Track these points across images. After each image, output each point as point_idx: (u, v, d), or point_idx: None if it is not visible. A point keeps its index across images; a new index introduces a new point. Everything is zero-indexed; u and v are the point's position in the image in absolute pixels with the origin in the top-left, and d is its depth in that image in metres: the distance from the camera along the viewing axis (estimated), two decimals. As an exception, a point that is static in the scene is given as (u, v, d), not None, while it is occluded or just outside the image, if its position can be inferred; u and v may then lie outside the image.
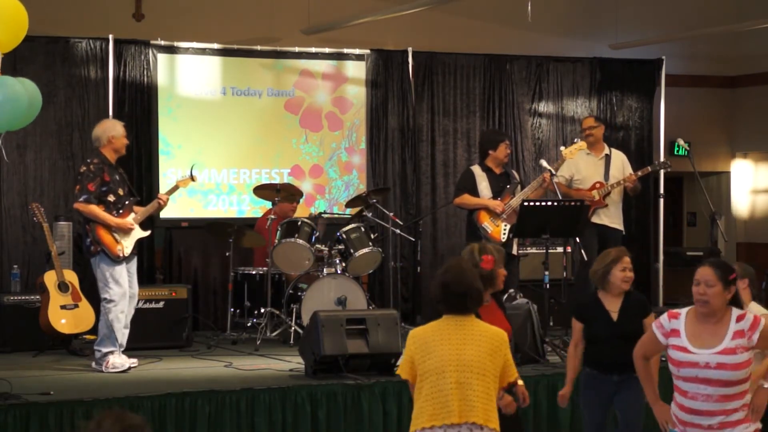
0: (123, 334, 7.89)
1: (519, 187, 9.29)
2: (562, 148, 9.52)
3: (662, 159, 10.50)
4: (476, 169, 9.26)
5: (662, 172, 10.93)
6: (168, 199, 8.28)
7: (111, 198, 7.91)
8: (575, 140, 9.47)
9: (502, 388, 4.74)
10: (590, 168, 9.63)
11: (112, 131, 8.01)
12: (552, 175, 8.91)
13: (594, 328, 5.97)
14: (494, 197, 9.10)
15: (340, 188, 10.96)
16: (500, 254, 5.60)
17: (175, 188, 8.42)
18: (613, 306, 6.00)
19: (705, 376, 4.68)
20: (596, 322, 5.98)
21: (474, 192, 9.13)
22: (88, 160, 7.98)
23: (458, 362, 4.59)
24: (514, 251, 9.20)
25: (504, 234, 8.94)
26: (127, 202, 8.02)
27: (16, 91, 6.47)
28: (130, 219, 7.99)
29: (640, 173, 9.69)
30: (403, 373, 4.71)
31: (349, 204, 9.95)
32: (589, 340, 6.01)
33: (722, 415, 4.70)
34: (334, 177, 10.95)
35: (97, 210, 7.83)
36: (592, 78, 11.75)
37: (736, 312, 4.76)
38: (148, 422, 3.21)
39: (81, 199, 7.83)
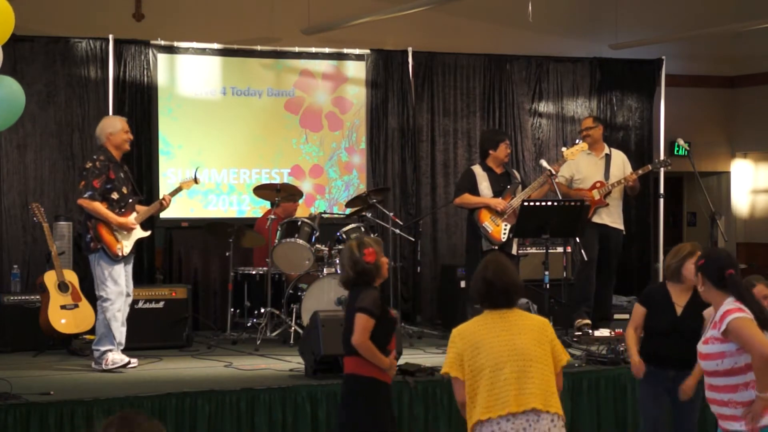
0: (121, 333, 7.89)
1: (520, 187, 9.28)
2: (564, 148, 9.52)
3: (661, 157, 10.50)
4: (477, 169, 9.26)
5: (662, 171, 10.93)
6: (171, 200, 8.28)
7: (114, 196, 7.92)
8: (577, 141, 9.47)
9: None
10: (590, 168, 9.63)
11: (109, 128, 8.02)
12: (552, 175, 8.90)
13: (655, 318, 5.94)
14: (495, 197, 9.09)
15: (340, 188, 10.96)
16: (379, 245, 5.68)
17: (179, 190, 8.42)
18: (680, 300, 5.95)
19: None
20: (660, 314, 5.94)
21: (475, 192, 9.12)
22: (94, 157, 7.98)
23: (511, 353, 4.64)
24: (514, 251, 9.20)
25: (504, 234, 8.94)
26: (130, 201, 8.02)
27: (13, 91, 6.48)
28: (132, 218, 7.99)
29: (640, 172, 9.69)
30: (452, 371, 4.71)
31: (349, 204, 9.95)
32: (649, 331, 5.99)
33: (714, 404, 4.83)
34: (334, 177, 10.95)
35: (100, 207, 7.83)
36: (592, 78, 11.75)
37: (726, 304, 4.78)
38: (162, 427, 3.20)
39: (85, 195, 7.83)
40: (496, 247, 9.00)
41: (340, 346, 7.26)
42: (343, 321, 7.35)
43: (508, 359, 4.63)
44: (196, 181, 8.55)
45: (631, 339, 6.07)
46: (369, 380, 5.51)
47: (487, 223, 9.00)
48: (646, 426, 6.09)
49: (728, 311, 4.73)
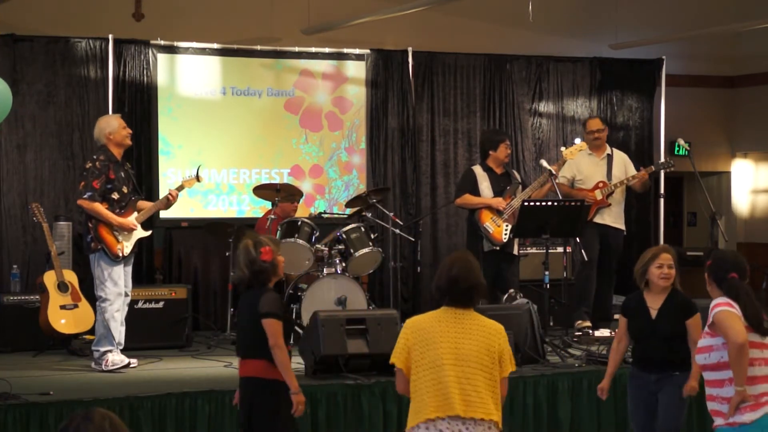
0: (120, 333, 7.89)
1: (520, 187, 9.28)
2: (563, 148, 9.52)
3: (664, 158, 10.48)
4: (477, 170, 9.26)
5: (663, 172, 10.93)
6: (177, 196, 8.27)
7: (115, 196, 7.91)
8: (575, 140, 9.47)
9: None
10: (592, 168, 9.63)
11: (108, 128, 8.02)
12: (552, 175, 8.90)
13: (634, 325, 6.01)
14: (496, 198, 9.09)
15: (340, 188, 10.96)
16: (276, 244, 5.63)
17: (181, 188, 8.41)
18: (654, 303, 6.00)
19: None
20: (636, 319, 6.02)
21: (475, 192, 9.13)
22: (94, 157, 7.97)
23: (456, 356, 4.59)
24: (515, 251, 9.20)
25: (506, 234, 8.94)
26: (131, 200, 8.02)
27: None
28: (133, 218, 7.99)
29: (644, 171, 9.69)
30: (398, 361, 4.65)
31: (349, 204, 9.94)
32: (632, 337, 6.06)
33: (707, 399, 4.96)
34: (334, 177, 10.94)
35: (100, 208, 7.83)
36: (592, 78, 11.75)
37: (718, 299, 4.95)
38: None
39: (85, 196, 7.82)
40: (498, 248, 9.01)
41: (341, 346, 7.31)
42: (343, 321, 7.42)
43: (452, 362, 4.57)
44: (198, 179, 8.54)
45: (611, 355, 6.15)
46: (276, 383, 5.42)
47: (488, 223, 9.00)
48: (635, 430, 6.12)
49: (717, 305, 4.88)
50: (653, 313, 5.97)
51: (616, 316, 9.83)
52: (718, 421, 4.86)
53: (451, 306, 4.70)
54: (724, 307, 4.85)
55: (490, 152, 9.24)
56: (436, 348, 4.60)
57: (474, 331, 4.65)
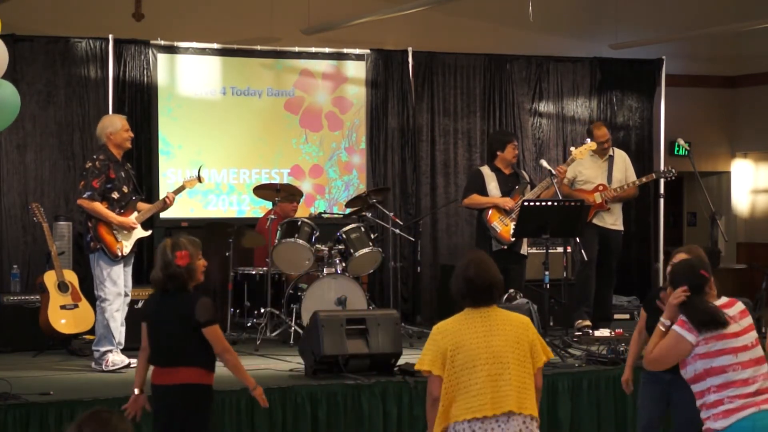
0: (120, 332, 7.89)
1: (528, 187, 9.27)
2: (572, 148, 9.52)
3: (665, 167, 10.44)
4: (485, 170, 9.26)
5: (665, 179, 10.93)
6: (175, 198, 8.27)
7: (115, 195, 7.92)
8: (586, 140, 9.43)
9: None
10: (593, 169, 9.63)
11: (110, 127, 8.02)
12: (552, 176, 8.91)
13: (650, 321, 5.95)
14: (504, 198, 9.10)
15: (340, 188, 10.96)
16: (195, 246, 5.40)
17: (182, 188, 8.41)
18: None
19: None
20: (653, 315, 5.96)
21: (483, 193, 9.12)
22: (94, 156, 7.98)
23: (488, 354, 4.62)
24: (524, 251, 9.18)
25: (513, 234, 8.92)
26: (131, 200, 8.02)
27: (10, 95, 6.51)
28: (133, 218, 7.99)
29: (644, 179, 9.71)
30: (434, 368, 4.66)
31: (349, 204, 9.95)
32: (648, 333, 6.00)
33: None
34: (334, 177, 10.94)
35: (100, 207, 7.83)
36: (592, 78, 11.75)
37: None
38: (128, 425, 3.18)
39: (85, 196, 7.83)
40: (506, 247, 9.00)
41: (341, 347, 7.31)
42: (343, 321, 7.41)
43: (485, 361, 4.61)
44: (199, 179, 8.54)
45: (632, 345, 6.12)
46: (210, 389, 5.37)
47: (496, 223, 9.00)
48: (640, 422, 6.10)
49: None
50: None
51: (617, 316, 9.91)
52: (706, 425, 4.84)
53: (474, 306, 4.73)
54: (679, 328, 4.81)
55: (498, 153, 9.24)
56: (468, 350, 4.63)
57: (502, 327, 4.69)
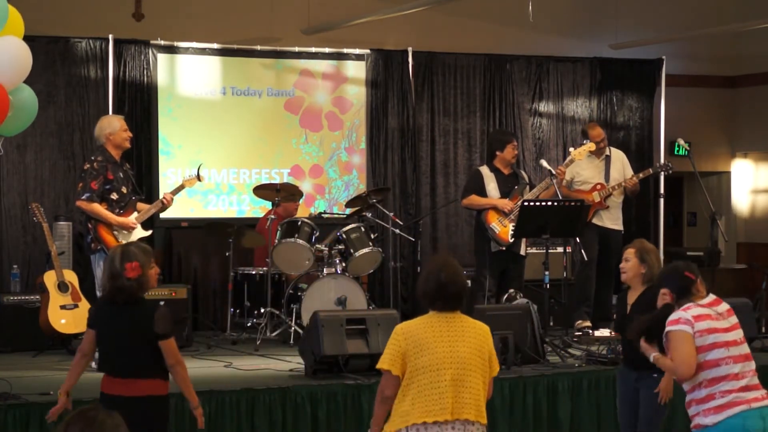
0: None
1: (527, 187, 9.27)
2: (571, 149, 9.52)
3: (663, 161, 10.46)
4: (484, 170, 9.26)
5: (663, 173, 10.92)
6: (173, 199, 8.26)
7: (114, 196, 7.92)
8: (584, 141, 9.43)
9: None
10: (591, 169, 9.63)
11: (108, 128, 8.02)
12: (552, 176, 8.91)
13: (616, 320, 5.99)
14: (503, 198, 9.09)
15: (340, 188, 10.96)
16: (147, 255, 5.16)
17: (181, 188, 8.41)
18: (631, 299, 5.96)
19: None
20: (618, 314, 6.00)
21: (482, 193, 9.12)
22: (92, 158, 7.99)
23: (453, 359, 4.60)
24: (522, 251, 9.19)
25: (512, 235, 8.92)
26: (131, 200, 8.02)
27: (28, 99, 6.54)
28: (132, 218, 7.99)
29: (641, 175, 9.69)
30: (393, 368, 4.62)
31: (349, 204, 9.95)
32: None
33: (686, 406, 4.93)
34: (334, 177, 10.95)
35: (99, 208, 7.83)
36: (592, 78, 11.76)
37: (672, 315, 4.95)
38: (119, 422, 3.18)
39: (83, 197, 7.83)
40: (504, 248, 9.00)
41: (341, 347, 7.31)
42: (343, 321, 7.41)
43: (450, 366, 4.58)
44: (199, 178, 8.54)
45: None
46: (168, 398, 5.32)
47: (495, 224, 9.00)
48: (621, 429, 6.12)
49: (669, 321, 4.88)
50: (628, 309, 5.93)
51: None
52: (695, 421, 4.85)
53: (441, 311, 4.70)
54: (673, 327, 4.81)
55: (497, 153, 9.24)
56: (432, 353, 4.60)
57: (466, 333, 4.67)
